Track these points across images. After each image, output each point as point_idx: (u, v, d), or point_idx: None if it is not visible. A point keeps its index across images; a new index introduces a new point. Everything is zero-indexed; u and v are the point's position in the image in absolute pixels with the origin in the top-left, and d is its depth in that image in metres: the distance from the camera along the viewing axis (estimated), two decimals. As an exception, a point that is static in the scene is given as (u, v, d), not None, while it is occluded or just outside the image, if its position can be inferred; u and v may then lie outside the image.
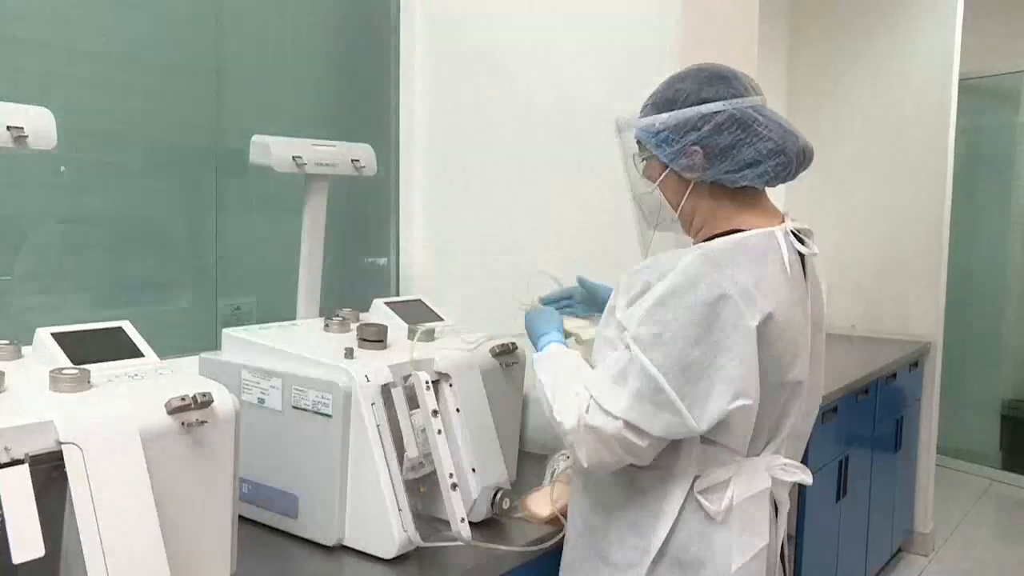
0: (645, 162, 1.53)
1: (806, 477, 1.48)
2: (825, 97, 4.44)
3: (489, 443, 1.75)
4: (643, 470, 1.42)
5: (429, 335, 1.79)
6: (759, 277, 1.35)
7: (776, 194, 4.72)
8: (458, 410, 1.69)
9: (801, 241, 1.47)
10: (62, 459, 1.04)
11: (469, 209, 2.46)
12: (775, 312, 1.34)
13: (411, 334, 1.79)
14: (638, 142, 1.53)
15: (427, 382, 1.57)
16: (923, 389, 4.27)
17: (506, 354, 1.86)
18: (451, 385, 1.70)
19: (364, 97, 2.62)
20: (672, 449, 1.40)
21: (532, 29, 2.32)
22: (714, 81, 1.44)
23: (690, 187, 1.47)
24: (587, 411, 1.36)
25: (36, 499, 0.99)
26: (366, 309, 1.96)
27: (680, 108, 1.44)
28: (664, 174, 1.48)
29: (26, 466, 1.00)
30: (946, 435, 4.65)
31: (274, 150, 1.89)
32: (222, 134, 2.21)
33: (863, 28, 4.36)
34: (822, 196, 4.44)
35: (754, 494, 1.41)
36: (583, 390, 1.39)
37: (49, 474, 1.05)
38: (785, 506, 1.51)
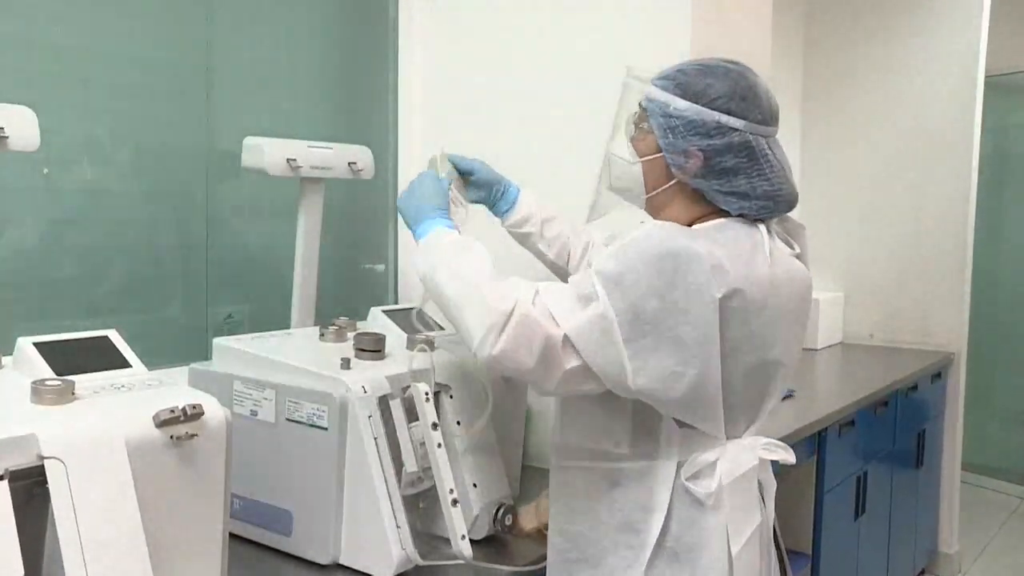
0: (638, 128, 1.50)
1: (788, 455, 1.49)
2: (842, 94, 4.43)
3: (491, 457, 1.74)
4: (624, 465, 1.43)
5: (429, 345, 1.79)
6: (734, 254, 1.36)
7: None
8: (459, 423, 1.69)
9: (787, 242, 1.49)
10: (44, 474, 1.04)
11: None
12: (746, 289, 1.34)
13: (410, 344, 1.78)
14: (642, 107, 1.50)
15: (427, 394, 1.57)
16: (946, 401, 4.25)
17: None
18: (451, 397, 1.70)
19: (361, 97, 2.63)
20: (651, 438, 1.41)
21: (535, 26, 2.32)
22: (748, 96, 1.42)
23: (673, 181, 1.46)
24: (533, 303, 1.33)
25: (16, 517, 0.99)
26: (363, 318, 1.96)
27: (703, 105, 1.41)
28: (653, 156, 1.47)
29: (5, 482, 1.00)
30: (971, 450, 4.63)
31: (267, 152, 1.89)
32: (213, 135, 2.21)
33: (883, 22, 4.35)
34: (838, 198, 4.44)
35: (743, 474, 1.42)
36: (527, 284, 1.37)
37: (30, 490, 1.04)
38: (771, 487, 1.53)
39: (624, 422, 1.42)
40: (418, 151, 2.60)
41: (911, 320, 4.31)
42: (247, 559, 1.62)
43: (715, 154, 1.41)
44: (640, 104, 1.50)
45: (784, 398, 3.09)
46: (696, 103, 1.42)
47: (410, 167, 2.61)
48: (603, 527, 1.45)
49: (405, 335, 1.83)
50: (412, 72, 2.60)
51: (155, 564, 1.10)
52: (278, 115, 2.40)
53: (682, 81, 1.44)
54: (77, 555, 1.03)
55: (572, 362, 1.32)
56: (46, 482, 1.03)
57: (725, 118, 1.40)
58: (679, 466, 1.41)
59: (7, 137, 1.34)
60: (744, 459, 1.43)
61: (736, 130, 1.40)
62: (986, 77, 4.21)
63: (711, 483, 1.39)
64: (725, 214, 1.46)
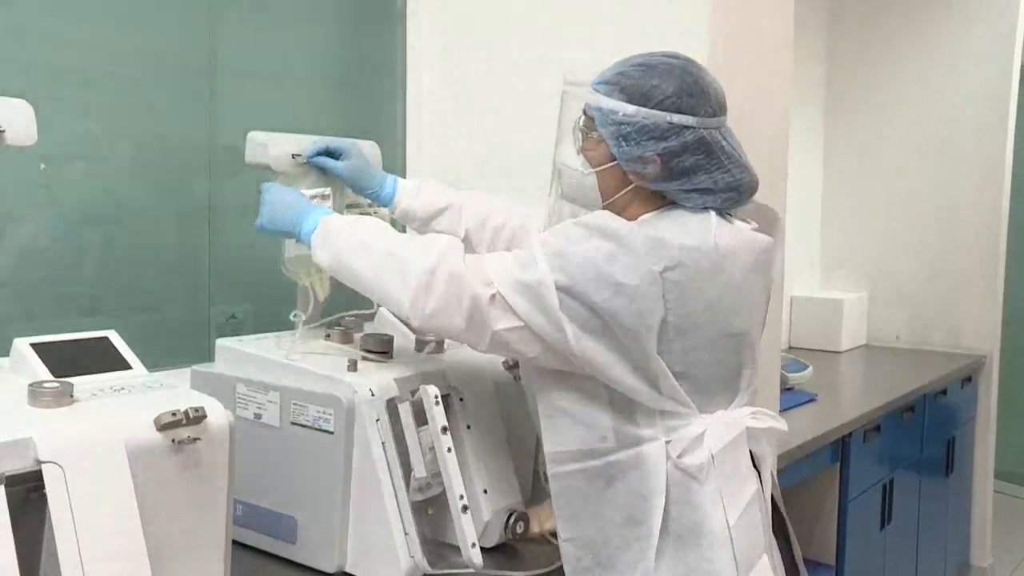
0: (588, 137, 1.52)
1: (778, 424, 1.52)
2: (868, 85, 4.40)
3: (502, 462, 1.74)
4: (614, 458, 1.45)
5: (439, 346, 1.79)
6: (678, 230, 1.40)
7: (811, 195, 4.66)
8: (469, 427, 1.69)
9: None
10: (41, 479, 1.04)
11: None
12: (690, 262, 1.37)
13: (419, 345, 1.79)
14: (588, 115, 1.52)
15: (436, 397, 1.57)
16: (978, 407, 4.23)
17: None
18: (462, 400, 1.70)
19: (369, 90, 2.63)
20: (632, 423, 1.44)
21: (548, 19, 2.32)
22: (695, 91, 1.45)
23: (630, 186, 1.49)
24: (461, 259, 1.39)
25: (12, 523, 0.99)
26: (371, 318, 1.96)
27: (652, 108, 1.43)
28: (609, 165, 1.49)
29: (2, 487, 1.00)
30: (1005, 458, 4.60)
31: (272, 147, 1.89)
32: (215, 129, 2.21)
33: (912, 10, 4.32)
34: (862, 193, 4.42)
35: (731, 440, 1.45)
36: (447, 238, 1.43)
37: (27, 495, 1.05)
38: (766, 460, 1.54)
39: (604, 415, 1.45)
40: (427, 145, 2.60)
41: (940, 321, 4.28)
42: (250, 567, 1.62)
43: (672, 156, 1.43)
44: (585, 111, 1.52)
45: (806, 402, 3.10)
46: (645, 106, 1.44)
47: (419, 162, 2.61)
48: (609, 526, 1.47)
49: (413, 336, 1.83)
50: (421, 64, 2.60)
51: (155, 572, 1.10)
52: (283, 109, 2.40)
53: (626, 84, 1.46)
54: (75, 562, 1.03)
55: (503, 322, 1.37)
56: (43, 487, 1.04)
57: (677, 117, 1.43)
58: (667, 446, 1.43)
59: (3, 132, 1.34)
60: (731, 427, 1.46)
61: (690, 128, 1.43)
62: (1023, 67, 4.17)
63: (701, 455, 1.42)
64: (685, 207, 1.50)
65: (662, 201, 1.49)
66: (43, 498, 1.04)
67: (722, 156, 1.45)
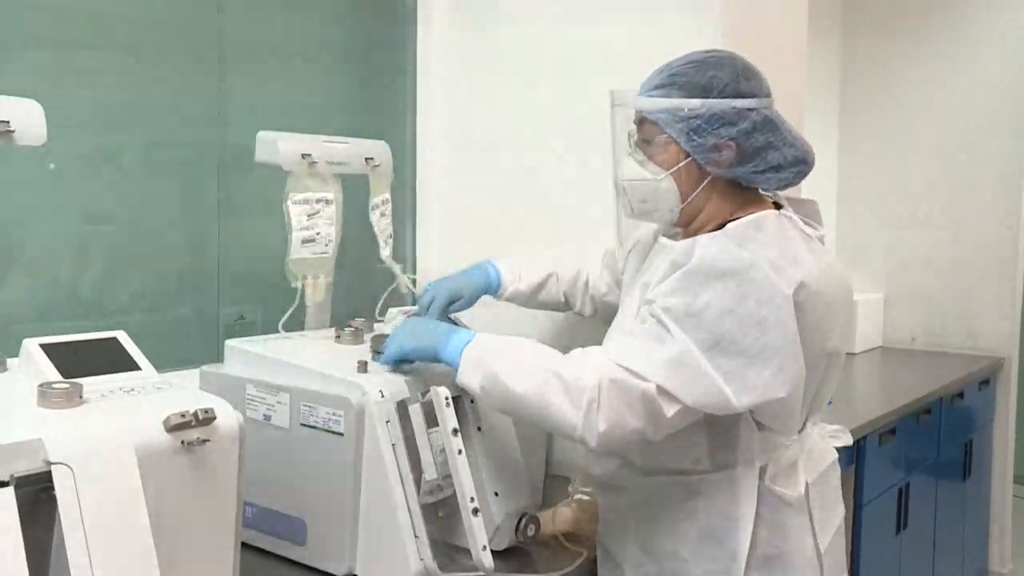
0: (652, 144, 1.53)
1: (848, 438, 1.60)
2: (883, 82, 4.37)
3: (513, 464, 1.75)
4: (705, 477, 1.47)
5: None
6: (782, 249, 1.42)
7: (826, 195, 4.63)
8: (480, 428, 1.69)
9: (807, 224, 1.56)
10: (51, 481, 1.04)
11: (491, 211, 2.46)
12: (807, 280, 1.39)
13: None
14: (645, 122, 1.54)
15: (447, 398, 1.57)
16: (996, 410, 4.20)
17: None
18: (472, 401, 1.70)
19: (379, 90, 2.63)
20: (729, 448, 1.46)
21: (561, 17, 2.32)
22: (749, 75, 1.50)
23: (707, 180, 1.51)
24: (610, 368, 1.38)
25: (22, 524, 1.00)
26: (381, 319, 1.97)
27: (715, 98, 1.46)
28: (683, 162, 1.50)
29: (11, 488, 1.01)
30: (1024, 462, 4.57)
31: (282, 147, 1.90)
32: (226, 129, 2.22)
33: (928, 3, 4.28)
34: (877, 192, 4.39)
35: (825, 469, 1.51)
36: (596, 351, 1.43)
37: (36, 497, 1.05)
38: None
39: (699, 440, 1.47)
40: (437, 146, 2.60)
41: (957, 322, 4.25)
42: (259, 569, 1.63)
43: (745, 138, 1.47)
44: (645, 119, 1.54)
45: (822, 404, 3.09)
46: (708, 97, 1.47)
47: (429, 163, 2.61)
48: (684, 538, 1.49)
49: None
50: (432, 63, 2.60)
51: (164, 573, 1.10)
52: (293, 108, 2.41)
53: (683, 82, 1.49)
54: (85, 563, 1.03)
55: (674, 406, 1.36)
56: (53, 488, 1.04)
57: (740, 102, 1.47)
58: (761, 471, 1.46)
59: (13, 131, 1.35)
60: (823, 454, 1.51)
61: (753, 109, 1.47)
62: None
63: (797, 484, 1.46)
64: (755, 201, 1.53)
65: (737, 196, 1.52)
66: (52, 499, 1.04)
67: (784, 131, 1.49)
